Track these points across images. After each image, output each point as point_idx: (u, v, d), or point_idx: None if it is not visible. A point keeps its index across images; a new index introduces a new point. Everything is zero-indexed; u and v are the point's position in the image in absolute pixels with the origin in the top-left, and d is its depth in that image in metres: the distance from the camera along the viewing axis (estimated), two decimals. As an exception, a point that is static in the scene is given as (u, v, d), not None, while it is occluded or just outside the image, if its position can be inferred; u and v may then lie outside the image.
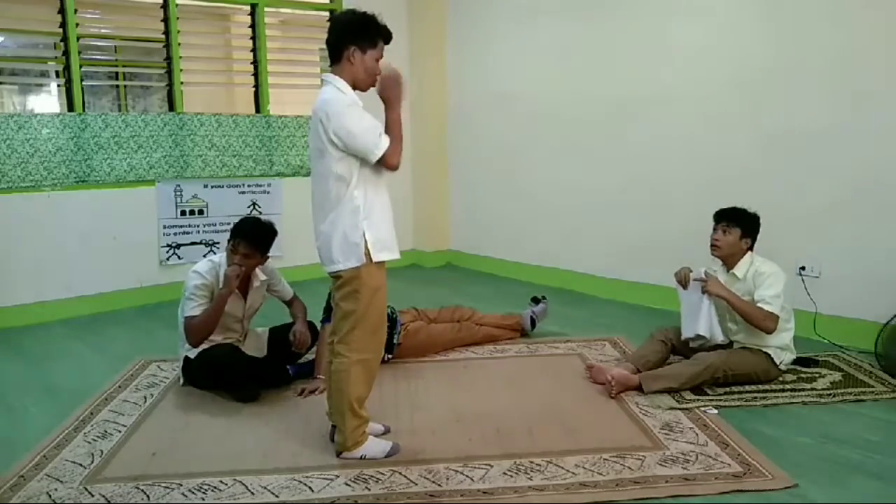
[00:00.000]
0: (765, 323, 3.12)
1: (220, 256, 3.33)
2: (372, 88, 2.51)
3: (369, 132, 2.38)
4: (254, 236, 3.23)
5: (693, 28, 4.37)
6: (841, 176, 3.77)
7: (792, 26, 3.91)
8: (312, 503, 2.28)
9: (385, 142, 2.40)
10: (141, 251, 4.97)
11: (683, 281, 3.34)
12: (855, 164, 3.72)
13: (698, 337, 3.28)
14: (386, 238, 2.50)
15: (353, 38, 2.42)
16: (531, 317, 4.05)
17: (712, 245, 3.28)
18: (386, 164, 2.43)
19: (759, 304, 3.12)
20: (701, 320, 3.25)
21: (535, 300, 4.18)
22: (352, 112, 2.38)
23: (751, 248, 3.28)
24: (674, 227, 4.49)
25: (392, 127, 2.45)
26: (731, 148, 4.22)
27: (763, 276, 3.17)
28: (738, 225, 3.24)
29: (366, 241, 2.42)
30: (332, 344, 2.59)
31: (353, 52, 2.42)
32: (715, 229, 3.29)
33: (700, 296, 3.25)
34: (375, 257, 2.44)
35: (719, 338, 3.26)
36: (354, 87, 2.46)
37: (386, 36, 2.48)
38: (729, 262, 3.29)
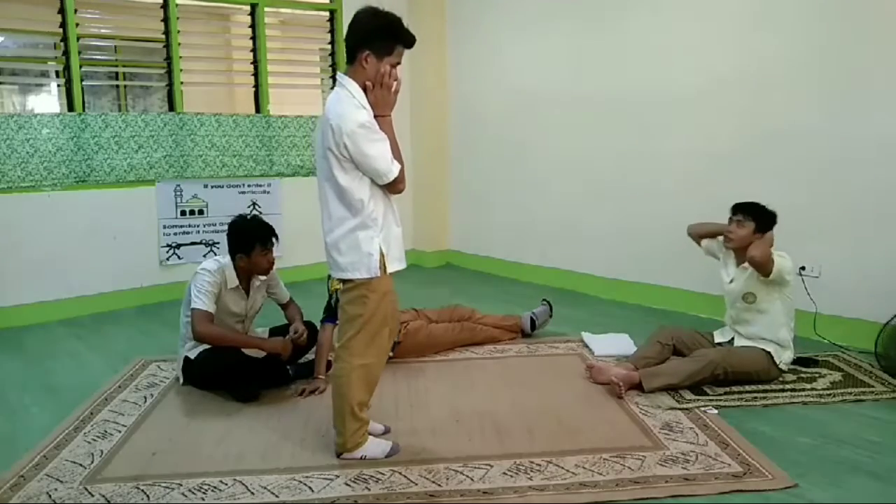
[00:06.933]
0: (769, 265, 3.14)
1: (224, 258, 3.32)
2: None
3: (382, 157, 2.34)
4: (270, 228, 3.29)
5: (695, 28, 4.37)
6: (841, 176, 3.77)
7: (793, 27, 3.91)
8: (312, 503, 2.29)
9: (396, 169, 2.38)
10: (141, 251, 4.96)
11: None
12: (855, 164, 3.71)
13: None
14: (397, 250, 2.50)
15: (369, 42, 2.34)
16: (531, 318, 4.05)
17: (725, 237, 3.29)
18: (394, 189, 2.43)
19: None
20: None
21: (546, 301, 4.18)
22: (365, 134, 2.31)
23: None
24: (674, 227, 4.48)
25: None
26: (731, 148, 4.22)
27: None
28: (753, 219, 3.23)
29: (381, 254, 2.41)
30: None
31: (367, 57, 2.35)
32: (730, 220, 3.29)
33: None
34: (389, 268, 2.45)
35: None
36: (366, 91, 2.38)
37: (406, 41, 2.39)
38: (740, 256, 3.29)
